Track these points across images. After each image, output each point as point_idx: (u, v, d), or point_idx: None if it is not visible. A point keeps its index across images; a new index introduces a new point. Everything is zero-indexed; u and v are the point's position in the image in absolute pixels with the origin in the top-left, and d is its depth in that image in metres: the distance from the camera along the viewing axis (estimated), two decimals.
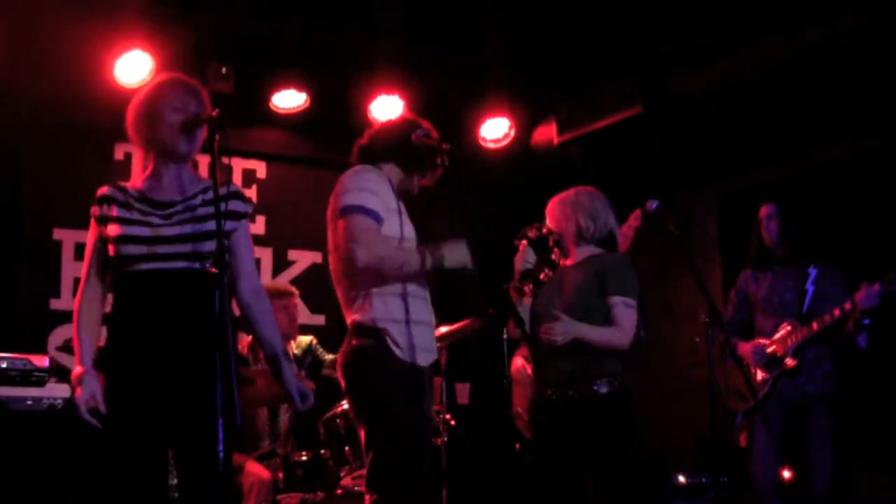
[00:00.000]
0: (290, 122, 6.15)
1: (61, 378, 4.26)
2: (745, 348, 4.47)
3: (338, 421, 4.59)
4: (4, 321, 5.38)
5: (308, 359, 5.27)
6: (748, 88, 5.67)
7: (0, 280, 5.44)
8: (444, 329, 4.58)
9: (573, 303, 3.71)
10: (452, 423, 4.87)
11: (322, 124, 6.10)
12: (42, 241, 5.59)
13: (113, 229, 2.87)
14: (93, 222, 2.96)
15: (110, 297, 2.95)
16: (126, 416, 2.78)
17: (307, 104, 5.98)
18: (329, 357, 5.24)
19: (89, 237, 2.98)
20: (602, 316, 3.68)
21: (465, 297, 4.67)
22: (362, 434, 3.12)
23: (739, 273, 4.68)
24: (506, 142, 6.48)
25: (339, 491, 4.58)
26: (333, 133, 5.77)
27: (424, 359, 3.16)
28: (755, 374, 4.42)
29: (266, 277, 6.10)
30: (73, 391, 2.81)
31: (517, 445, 5.32)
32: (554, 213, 3.86)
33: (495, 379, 5.17)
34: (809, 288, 4.38)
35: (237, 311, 3.02)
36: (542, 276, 3.65)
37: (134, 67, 5.31)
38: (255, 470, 4.69)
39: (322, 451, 4.66)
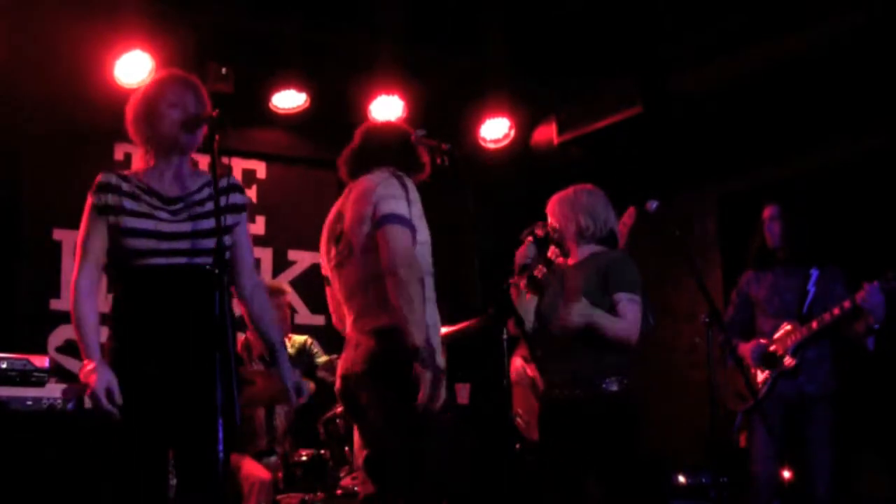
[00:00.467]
0: (289, 122, 6.15)
1: (61, 378, 4.27)
2: (744, 348, 4.47)
3: (338, 421, 4.60)
4: (4, 321, 5.39)
5: (304, 358, 5.25)
6: (748, 88, 5.67)
7: (0, 280, 5.45)
8: (443, 329, 4.58)
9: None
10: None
11: (322, 124, 6.08)
12: (42, 241, 5.60)
13: (120, 220, 2.81)
14: (89, 211, 2.85)
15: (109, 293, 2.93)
16: (129, 416, 2.76)
17: (307, 104, 5.96)
18: (324, 359, 5.20)
19: (84, 226, 2.86)
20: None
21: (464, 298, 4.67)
22: (365, 437, 3.11)
23: (739, 273, 4.67)
24: (506, 142, 6.47)
25: (338, 491, 4.59)
26: (333, 133, 5.70)
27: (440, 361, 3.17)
28: (755, 374, 4.42)
29: (266, 278, 6.09)
30: (84, 387, 2.74)
31: (517, 445, 5.32)
32: (554, 212, 3.86)
33: (495, 379, 5.16)
34: (811, 289, 4.38)
35: (237, 310, 3.02)
36: (536, 271, 3.65)
37: (134, 67, 5.30)
38: (256, 471, 4.69)
39: (322, 452, 4.66)
